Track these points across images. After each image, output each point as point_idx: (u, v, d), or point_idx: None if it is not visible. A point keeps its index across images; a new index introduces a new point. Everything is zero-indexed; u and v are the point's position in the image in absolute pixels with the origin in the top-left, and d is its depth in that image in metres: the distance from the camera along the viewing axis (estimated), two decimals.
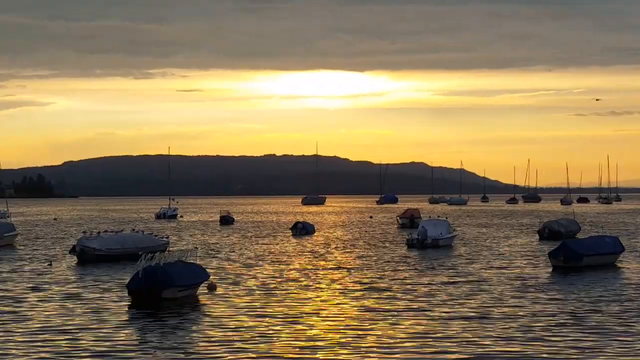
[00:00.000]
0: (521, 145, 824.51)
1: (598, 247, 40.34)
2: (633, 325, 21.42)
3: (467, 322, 22.36)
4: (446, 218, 62.15)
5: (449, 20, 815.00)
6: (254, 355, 17.89)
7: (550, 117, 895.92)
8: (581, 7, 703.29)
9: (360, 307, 25.70)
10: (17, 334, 20.82)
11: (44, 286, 31.60)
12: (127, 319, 23.69)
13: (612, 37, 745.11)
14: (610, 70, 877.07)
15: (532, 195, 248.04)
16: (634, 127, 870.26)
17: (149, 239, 46.48)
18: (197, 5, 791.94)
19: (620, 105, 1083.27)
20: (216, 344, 19.31)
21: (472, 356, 17.91)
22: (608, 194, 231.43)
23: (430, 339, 19.80)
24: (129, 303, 26.43)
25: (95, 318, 23.41)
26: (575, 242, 42.70)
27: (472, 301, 26.64)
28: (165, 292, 26.64)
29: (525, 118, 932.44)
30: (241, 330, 21.18)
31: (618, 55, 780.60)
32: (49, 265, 40.14)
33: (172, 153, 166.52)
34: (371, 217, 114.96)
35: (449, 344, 19.27)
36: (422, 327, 21.66)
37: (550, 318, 22.89)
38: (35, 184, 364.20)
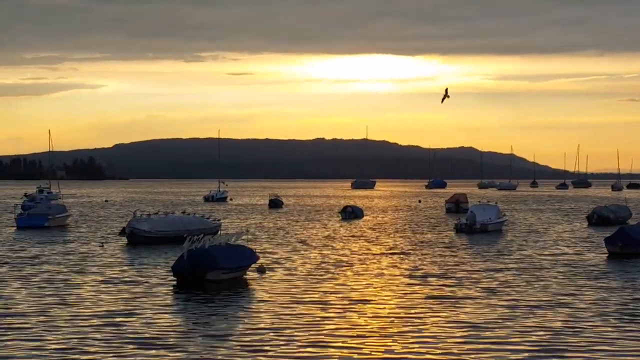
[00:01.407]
0: (572, 130, 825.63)
1: None
2: None
3: (527, 310, 21.94)
4: (496, 203, 61.54)
5: (500, 4, 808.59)
6: (301, 343, 17.58)
7: (602, 102, 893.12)
8: None
9: (413, 293, 25.46)
10: (66, 314, 21.07)
11: (93, 267, 32.00)
12: (170, 301, 23.99)
13: None
14: None
15: (582, 180, 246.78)
16: None
17: (199, 221, 47.03)
18: None
19: None
20: (262, 329, 19.19)
21: (535, 347, 17.38)
22: None
23: (492, 327, 19.52)
24: (174, 285, 26.74)
25: (140, 300, 23.72)
26: (632, 227, 41.59)
27: (528, 289, 26.08)
28: (209, 274, 26.86)
29: (577, 103, 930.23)
30: (289, 316, 21.04)
31: None
32: (100, 246, 40.75)
33: (221, 136, 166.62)
34: (420, 201, 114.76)
35: (510, 331, 18.98)
36: (480, 314, 21.32)
37: (613, 307, 22.17)
38: (86, 166, 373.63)
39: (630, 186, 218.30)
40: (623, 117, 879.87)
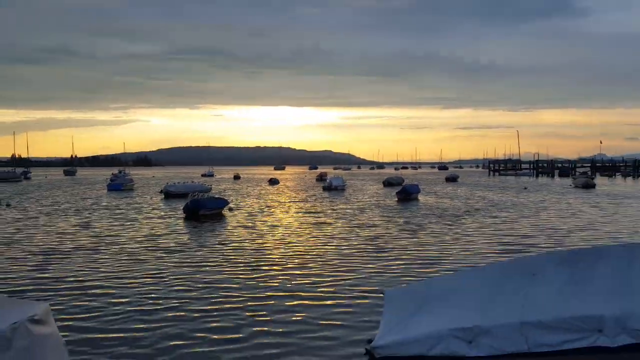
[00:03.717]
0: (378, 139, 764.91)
1: (413, 188, 42.80)
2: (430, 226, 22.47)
3: (364, 226, 22.60)
4: (342, 176, 66.14)
5: None
6: (252, 243, 18.32)
7: None
8: None
9: (305, 219, 26.19)
10: (129, 232, 21.60)
11: (146, 209, 33.15)
12: (183, 226, 24.16)
13: None
14: None
15: (380, 166, 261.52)
16: None
17: (199, 186, 48.89)
18: None
19: None
20: (231, 238, 19.82)
21: (364, 243, 18.14)
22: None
23: (341, 237, 19.85)
24: (184, 217, 27.33)
25: (167, 224, 24.47)
26: (408, 186, 44.52)
27: (363, 214, 26.71)
28: (200, 211, 27.74)
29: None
30: (245, 230, 22.06)
31: None
32: (163, 198, 42.68)
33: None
34: (305, 176, 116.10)
35: (354, 237, 19.59)
36: (337, 231, 21.69)
37: (402, 223, 23.55)
38: (142, 159, 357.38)
39: (401, 168, 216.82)
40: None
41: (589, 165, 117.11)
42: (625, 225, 23.67)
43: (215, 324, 9.39)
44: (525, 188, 56.56)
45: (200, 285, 12.27)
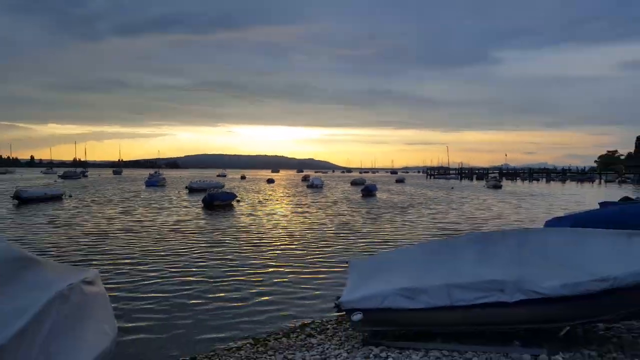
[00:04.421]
0: None
1: (373, 187, 41.05)
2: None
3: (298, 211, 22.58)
4: (321, 178, 60.75)
5: None
6: (255, 228, 17.53)
7: None
8: None
9: (296, 213, 25.22)
10: (162, 218, 20.55)
11: (174, 201, 31.21)
12: (202, 213, 23.18)
13: None
14: None
15: (349, 170, 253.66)
16: None
17: (215, 183, 48.04)
18: None
19: None
20: (240, 224, 19.18)
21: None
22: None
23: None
24: (202, 207, 26.24)
25: (189, 213, 23.28)
26: (370, 185, 41.66)
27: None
28: (215, 202, 26.70)
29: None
30: (249, 217, 21.57)
31: None
32: (188, 193, 40.70)
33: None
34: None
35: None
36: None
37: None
38: (172, 163, 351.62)
39: (364, 172, 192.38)
40: None
41: (498, 172, 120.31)
42: (525, 215, 23.74)
43: (224, 288, 9.22)
44: (453, 188, 56.71)
45: (213, 258, 11.92)
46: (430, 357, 4.13)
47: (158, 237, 15.32)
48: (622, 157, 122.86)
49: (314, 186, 53.66)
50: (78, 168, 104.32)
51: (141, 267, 10.83)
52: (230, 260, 11.72)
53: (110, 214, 22.63)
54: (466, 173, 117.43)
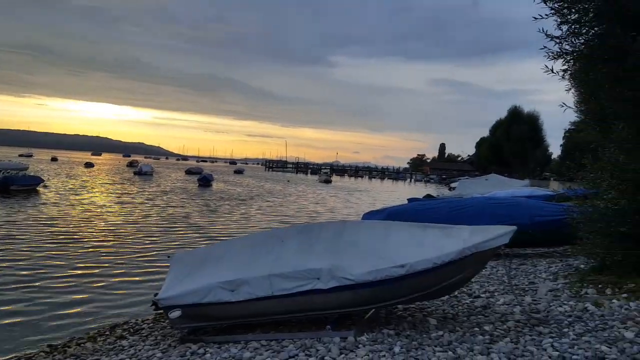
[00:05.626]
0: None
1: (210, 176, 40.64)
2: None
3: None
4: (151, 165, 59.46)
5: None
6: (65, 217, 16.47)
7: None
8: None
9: (121, 203, 23.77)
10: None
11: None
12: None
13: None
14: None
15: (184, 158, 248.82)
16: None
17: (15, 165, 37.41)
18: None
19: None
20: (44, 211, 17.38)
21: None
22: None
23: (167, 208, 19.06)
24: None
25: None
26: (206, 174, 42.10)
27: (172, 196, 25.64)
28: (12, 186, 23.47)
29: None
30: (58, 206, 19.08)
31: None
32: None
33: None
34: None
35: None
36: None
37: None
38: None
39: (202, 161, 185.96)
40: None
41: (329, 168, 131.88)
42: (354, 209, 24.93)
43: (11, 296, 7.75)
44: (289, 181, 59.07)
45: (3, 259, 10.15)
46: (249, 349, 4.18)
47: None
48: (429, 160, 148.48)
49: (143, 173, 50.13)
50: None
51: None
52: (23, 260, 10.09)
53: None
54: (302, 167, 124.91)
